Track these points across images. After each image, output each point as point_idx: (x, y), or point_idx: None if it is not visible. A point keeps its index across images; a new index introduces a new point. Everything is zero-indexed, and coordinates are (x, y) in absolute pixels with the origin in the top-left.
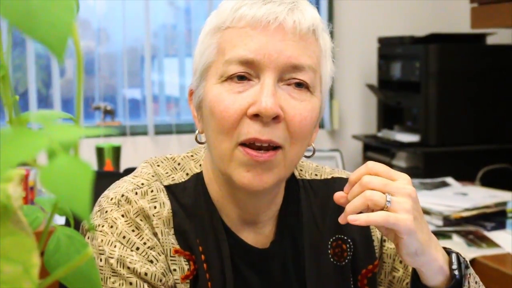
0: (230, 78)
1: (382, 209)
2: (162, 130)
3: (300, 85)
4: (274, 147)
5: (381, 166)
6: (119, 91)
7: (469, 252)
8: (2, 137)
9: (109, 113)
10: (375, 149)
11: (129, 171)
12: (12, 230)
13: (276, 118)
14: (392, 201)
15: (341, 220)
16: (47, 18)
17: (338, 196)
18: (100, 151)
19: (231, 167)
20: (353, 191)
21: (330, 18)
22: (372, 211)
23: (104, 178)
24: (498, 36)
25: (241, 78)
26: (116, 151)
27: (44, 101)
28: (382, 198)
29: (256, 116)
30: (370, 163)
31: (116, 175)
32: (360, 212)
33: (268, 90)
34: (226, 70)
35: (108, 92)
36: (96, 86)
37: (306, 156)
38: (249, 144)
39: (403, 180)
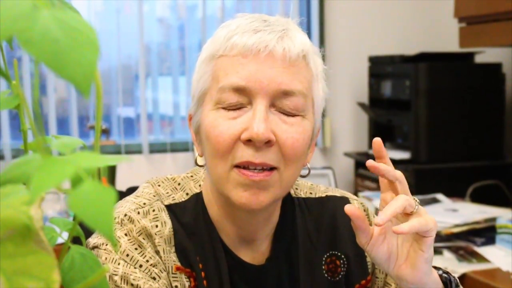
0: (224, 107)
1: (410, 213)
2: (157, 148)
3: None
4: (268, 168)
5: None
6: (113, 110)
7: (460, 267)
8: (33, 164)
9: (104, 132)
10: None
11: (131, 190)
12: (35, 249)
13: (268, 142)
14: (418, 204)
15: (381, 220)
16: (74, 58)
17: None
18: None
19: (228, 188)
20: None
21: (322, 38)
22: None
23: None
24: (486, 55)
25: (235, 109)
26: (112, 169)
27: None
28: (413, 201)
29: (249, 141)
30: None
31: (119, 195)
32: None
33: (260, 116)
34: (220, 97)
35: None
36: (90, 105)
37: (301, 176)
38: (243, 167)
39: None
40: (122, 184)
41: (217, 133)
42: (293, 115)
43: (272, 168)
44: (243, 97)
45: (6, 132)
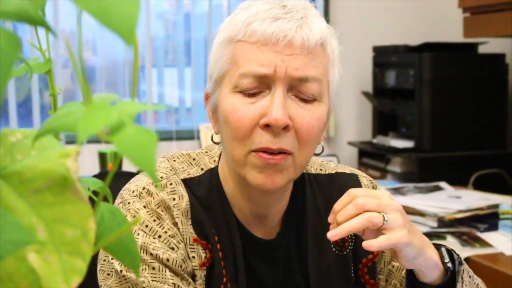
0: (243, 91)
1: (379, 228)
2: (163, 136)
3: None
4: (283, 152)
5: (361, 190)
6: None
7: (463, 252)
8: (75, 115)
9: None
10: (370, 155)
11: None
12: (72, 198)
13: (285, 128)
14: (388, 219)
15: (332, 237)
16: (118, 11)
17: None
18: (102, 156)
19: (245, 170)
20: (348, 212)
21: None
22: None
23: (122, 177)
24: (490, 45)
25: (253, 94)
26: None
27: (46, 109)
28: (380, 218)
29: (267, 126)
30: (351, 191)
31: (132, 174)
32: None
33: (279, 102)
34: (239, 83)
35: None
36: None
37: (315, 154)
38: (261, 151)
39: (386, 196)
40: (129, 168)
41: (236, 118)
42: (309, 101)
43: (286, 152)
44: (261, 84)
45: (14, 120)
